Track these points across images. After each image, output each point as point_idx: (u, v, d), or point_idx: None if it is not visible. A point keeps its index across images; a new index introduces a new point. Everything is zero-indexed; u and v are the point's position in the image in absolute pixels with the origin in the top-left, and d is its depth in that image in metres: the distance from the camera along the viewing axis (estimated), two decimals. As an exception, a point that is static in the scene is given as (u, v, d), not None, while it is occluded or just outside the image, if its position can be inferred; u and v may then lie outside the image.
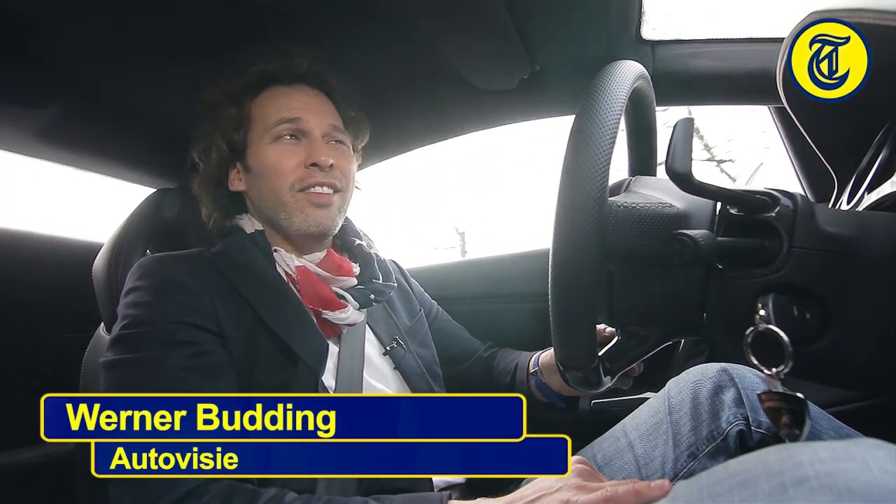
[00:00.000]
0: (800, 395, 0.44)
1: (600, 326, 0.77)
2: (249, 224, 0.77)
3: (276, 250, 0.75)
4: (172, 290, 0.65)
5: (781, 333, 0.42)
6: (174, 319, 0.63)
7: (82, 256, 0.91)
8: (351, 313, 0.73)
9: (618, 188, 0.57)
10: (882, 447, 0.30)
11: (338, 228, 0.79)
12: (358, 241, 0.82)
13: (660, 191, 0.53)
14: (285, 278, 0.73)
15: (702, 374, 0.72)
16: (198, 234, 0.84)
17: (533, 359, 0.87)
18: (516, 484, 0.78)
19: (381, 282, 0.79)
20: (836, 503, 0.27)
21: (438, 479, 0.73)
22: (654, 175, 0.68)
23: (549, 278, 0.47)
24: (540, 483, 0.55)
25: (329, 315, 0.71)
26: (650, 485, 0.49)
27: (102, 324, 0.87)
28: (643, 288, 0.52)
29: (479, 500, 0.57)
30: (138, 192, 1.03)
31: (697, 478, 0.35)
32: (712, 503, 0.33)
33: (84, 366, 0.86)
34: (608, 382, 0.57)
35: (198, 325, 0.63)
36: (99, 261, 0.86)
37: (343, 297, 0.73)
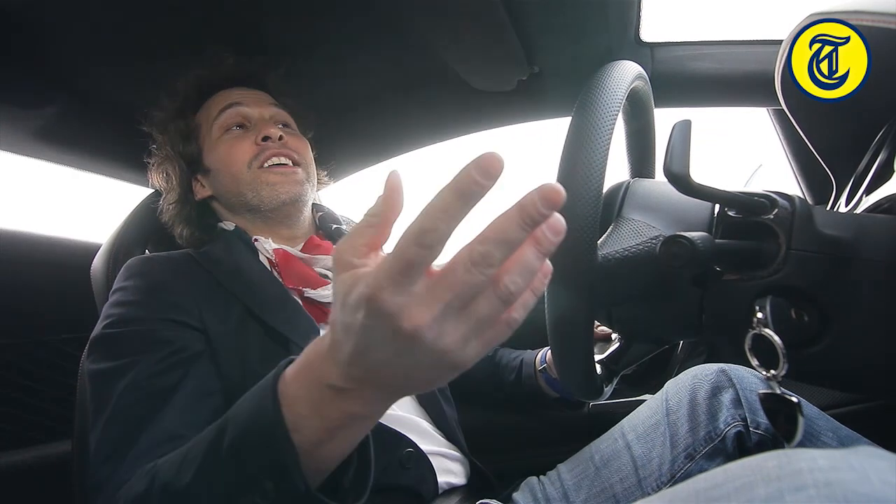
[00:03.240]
0: (794, 398, 0.44)
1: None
2: (227, 225, 0.79)
3: (256, 239, 0.75)
4: (154, 289, 0.66)
5: (775, 337, 0.42)
6: (154, 317, 0.63)
7: (81, 257, 0.91)
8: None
9: (614, 196, 0.57)
10: (883, 457, 0.29)
11: (309, 198, 0.80)
12: (336, 226, 0.83)
13: (653, 212, 0.53)
14: (268, 265, 0.74)
15: (700, 375, 0.72)
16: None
17: (539, 356, 0.87)
18: (516, 485, 0.79)
19: None
20: None
21: (440, 481, 0.73)
22: (653, 176, 0.68)
23: (547, 327, 0.47)
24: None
25: (311, 293, 0.71)
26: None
27: (101, 324, 0.87)
28: (641, 314, 0.53)
29: None
30: (137, 192, 1.03)
31: (694, 480, 0.35)
32: None
33: (82, 366, 0.86)
34: (613, 386, 0.58)
35: (177, 321, 0.64)
36: (97, 261, 0.86)
37: (325, 276, 0.73)
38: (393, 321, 0.30)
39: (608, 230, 0.54)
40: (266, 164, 0.76)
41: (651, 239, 0.50)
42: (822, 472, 0.28)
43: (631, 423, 0.75)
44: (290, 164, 0.77)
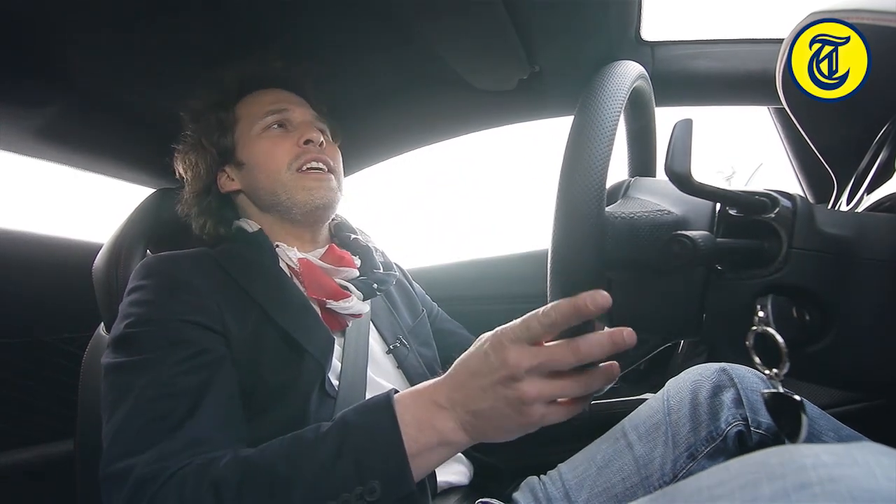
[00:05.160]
0: (797, 396, 0.44)
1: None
2: (248, 225, 0.78)
3: (277, 245, 0.75)
4: (177, 288, 0.65)
5: (777, 335, 0.42)
6: (177, 318, 0.63)
7: (82, 256, 0.91)
8: (355, 303, 0.73)
9: (616, 191, 0.57)
10: (888, 454, 0.29)
11: (338, 205, 0.81)
12: (354, 236, 0.83)
13: (658, 195, 0.53)
14: (288, 272, 0.74)
15: (701, 374, 0.72)
16: (198, 235, 0.85)
17: None
18: (517, 484, 0.79)
19: (382, 272, 0.80)
20: None
21: (440, 480, 0.73)
22: (654, 176, 0.68)
23: (548, 290, 0.47)
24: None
25: (333, 305, 0.72)
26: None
27: (102, 324, 0.87)
28: (643, 294, 0.52)
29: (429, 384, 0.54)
30: (138, 192, 1.03)
31: (697, 478, 0.35)
32: None
33: (83, 366, 0.86)
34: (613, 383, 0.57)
35: (201, 324, 0.63)
36: (99, 261, 0.86)
37: (346, 288, 0.74)
38: (516, 392, 0.46)
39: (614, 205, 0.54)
40: (305, 168, 0.77)
41: (656, 210, 0.50)
42: (827, 468, 0.28)
43: (632, 423, 0.75)
44: (326, 170, 0.78)
